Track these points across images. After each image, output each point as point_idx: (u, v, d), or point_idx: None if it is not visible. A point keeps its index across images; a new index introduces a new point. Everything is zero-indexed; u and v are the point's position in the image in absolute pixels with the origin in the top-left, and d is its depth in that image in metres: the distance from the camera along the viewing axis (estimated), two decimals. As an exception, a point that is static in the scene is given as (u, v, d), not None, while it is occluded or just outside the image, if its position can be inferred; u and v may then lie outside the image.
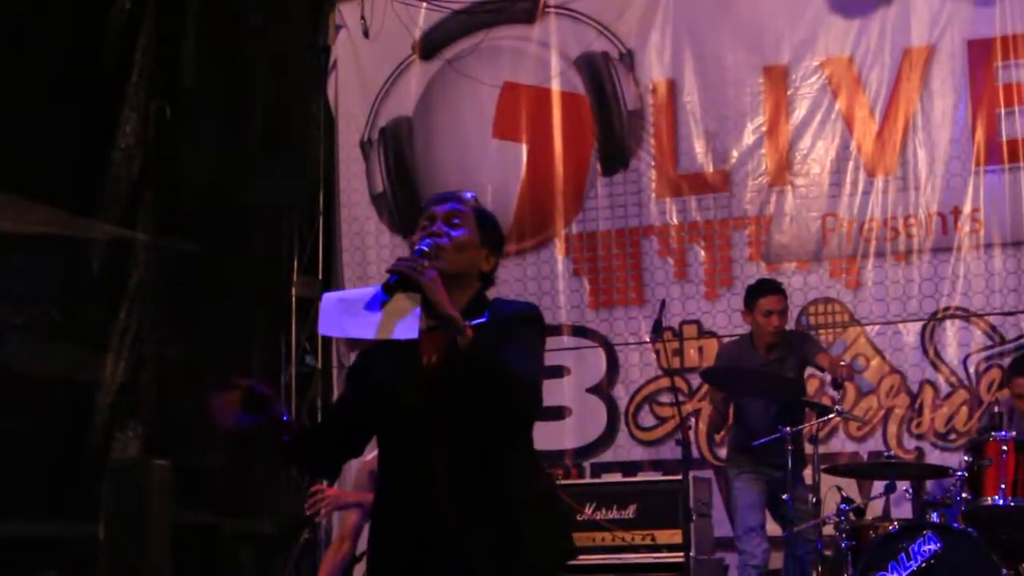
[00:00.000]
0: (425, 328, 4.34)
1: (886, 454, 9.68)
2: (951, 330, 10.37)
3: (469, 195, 4.72)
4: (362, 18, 11.99)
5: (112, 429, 10.57)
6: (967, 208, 10.39)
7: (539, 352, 4.62)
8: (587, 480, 10.76)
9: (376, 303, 4.34)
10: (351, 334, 4.40)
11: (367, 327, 4.34)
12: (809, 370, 9.61)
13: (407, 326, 4.31)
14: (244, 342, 11.24)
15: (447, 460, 4.46)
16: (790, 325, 9.80)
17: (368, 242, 11.77)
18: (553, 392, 10.91)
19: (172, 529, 9.32)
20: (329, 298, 4.43)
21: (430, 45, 11.92)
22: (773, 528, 9.43)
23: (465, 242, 4.57)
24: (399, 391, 4.53)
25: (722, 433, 10.17)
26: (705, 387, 10.53)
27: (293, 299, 11.69)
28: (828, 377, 9.44)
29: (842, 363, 9.31)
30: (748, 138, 11.02)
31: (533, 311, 4.66)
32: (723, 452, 10.16)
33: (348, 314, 4.37)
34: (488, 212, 4.72)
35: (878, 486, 9.47)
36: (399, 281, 4.33)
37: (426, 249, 4.47)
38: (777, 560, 9.36)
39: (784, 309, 9.47)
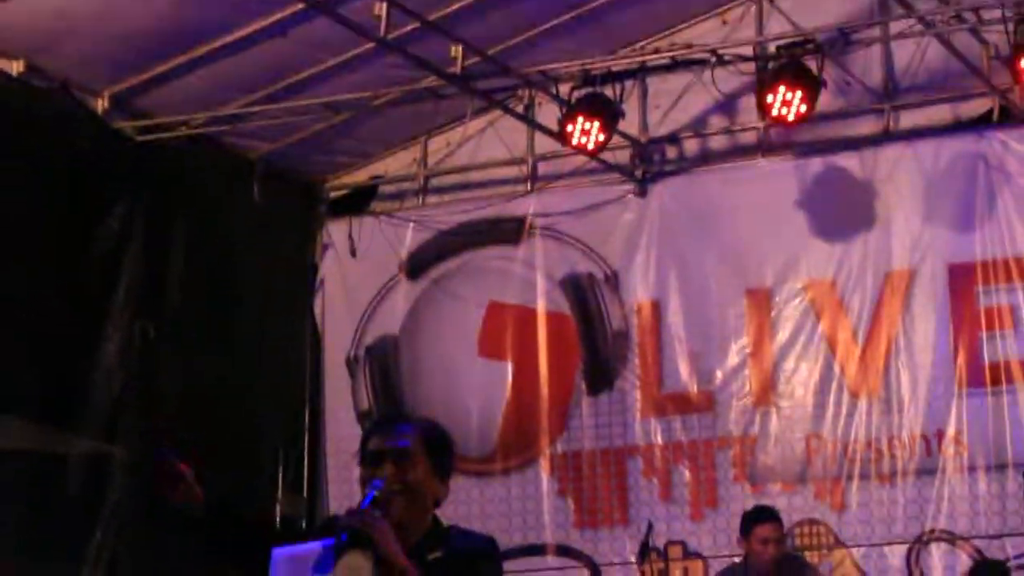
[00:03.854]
0: None
1: None
2: (936, 553, 10.35)
3: (415, 422, 4.66)
4: (350, 237, 12.13)
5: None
6: (951, 431, 10.44)
7: None
8: None
9: (327, 561, 4.25)
10: None
11: None
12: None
13: None
14: (227, 562, 11.11)
15: None
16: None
17: (354, 461, 11.72)
18: (536, 613, 10.87)
19: None
20: (278, 555, 4.36)
21: (416, 264, 12.05)
22: None
23: (417, 483, 4.47)
24: None
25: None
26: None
27: (278, 518, 11.61)
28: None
29: None
30: (732, 359, 11.11)
31: (492, 549, 4.58)
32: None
33: (298, 574, 4.30)
34: (436, 435, 4.61)
35: None
36: (350, 537, 4.25)
37: (376, 495, 4.36)
38: None
39: (780, 537, 9.41)
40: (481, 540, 4.63)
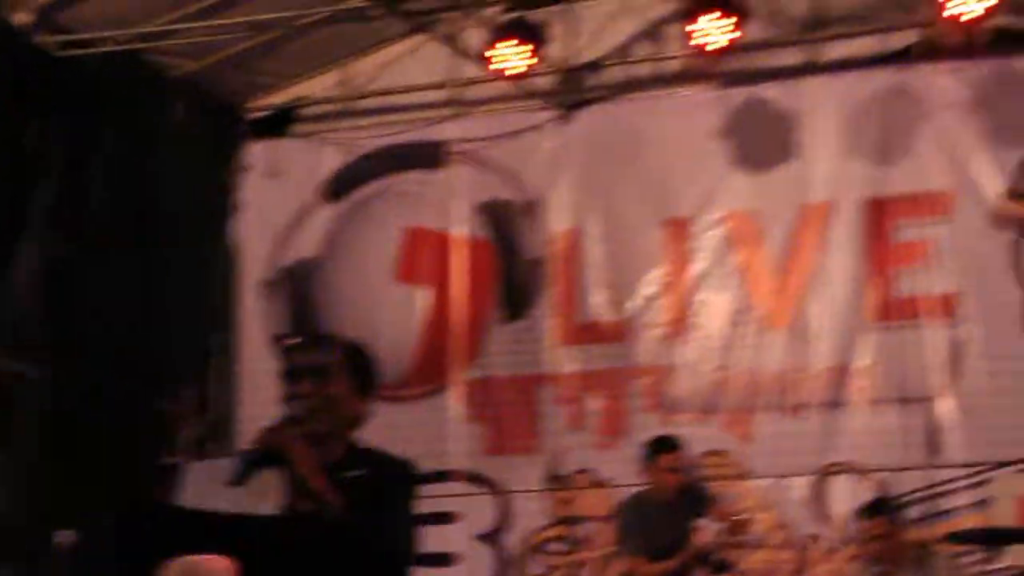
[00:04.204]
0: (292, 501, 4.24)
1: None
2: (841, 485, 10.34)
3: (337, 338, 4.68)
4: (269, 158, 12.03)
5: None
6: (859, 364, 10.42)
7: (415, 516, 4.53)
8: (474, 630, 10.64)
9: (242, 475, 4.24)
10: (213, 507, 4.28)
11: (230, 501, 4.24)
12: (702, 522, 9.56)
13: (271, 502, 4.24)
14: (130, 483, 11.06)
15: None
16: (681, 476, 9.75)
17: (266, 381, 11.64)
18: (441, 538, 10.79)
19: None
20: (194, 468, 4.37)
21: (336, 188, 11.97)
22: None
23: (336, 398, 4.44)
24: None
25: None
26: (599, 536, 10.53)
27: (191, 437, 11.56)
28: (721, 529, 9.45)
29: (735, 518, 9.29)
30: (648, 288, 11.06)
31: (411, 471, 4.57)
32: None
33: (212, 485, 4.28)
34: (360, 353, 4.59)
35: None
36: (265, 452, 4.25)
37: (295, 415, 4.35)
38: None
39: (683, 466, 9.46)
40: (400, 462, 4.61)
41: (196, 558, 4.16)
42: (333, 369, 4.44)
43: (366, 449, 4.53)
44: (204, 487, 4.29)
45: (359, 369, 4.53)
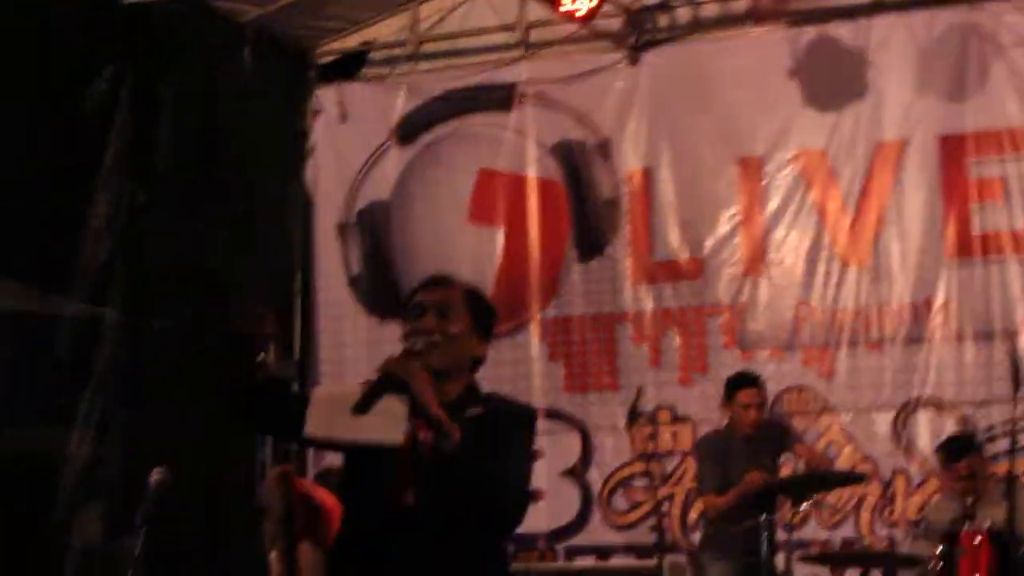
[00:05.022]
0: (412, 430, 4.30)
1: (859, 542, 9.85)
2: (923, 419, 10.50)
3: (455, 283, 4.65)
4: (340, 102, 12.13)
5: (74, 508, 10.51)
6: (939, 299, 10.54)
7: (530, 460, 4.60)
8: (560, 564, 10.80)
9: (364, 404, 4.28)
10: (336, 435, 4.35)
11: (353, 428, 4.29)
12: (784, 457, 9.71)
13: (393, 429, 4.28)
14: (218, 425, 11.20)
15: (424, 544, 4.36)
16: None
17: (344, 325, 11.85)
18: (528, 475, 10.96)
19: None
20: (318, 395, 4.40)
21: (408, 130, 12.05)
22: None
23: (457, 336, 4.49)
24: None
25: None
26: (682, 471, 10.73)
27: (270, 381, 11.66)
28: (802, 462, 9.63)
29: (819, 452, 9.44)
30: (723, 227, 11.17)
31: (529, 413, 4.65)
32: (697, 536, 10.23)
33: (335, 413, 4.32)
34: (480, 295, 4.66)
35: (852, 574, 9.53)
36: (387, 381, 4.29)
37: (415, 347, 4.40)
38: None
39: (762, 402, 9.56)
40: (522, 405, 4.71)
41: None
42: (454, 308, 4.52)
43: (485, 393, 4.60)
44: (327, 416, 4.35)
45: (479, 311, 4.60)
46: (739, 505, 9.22)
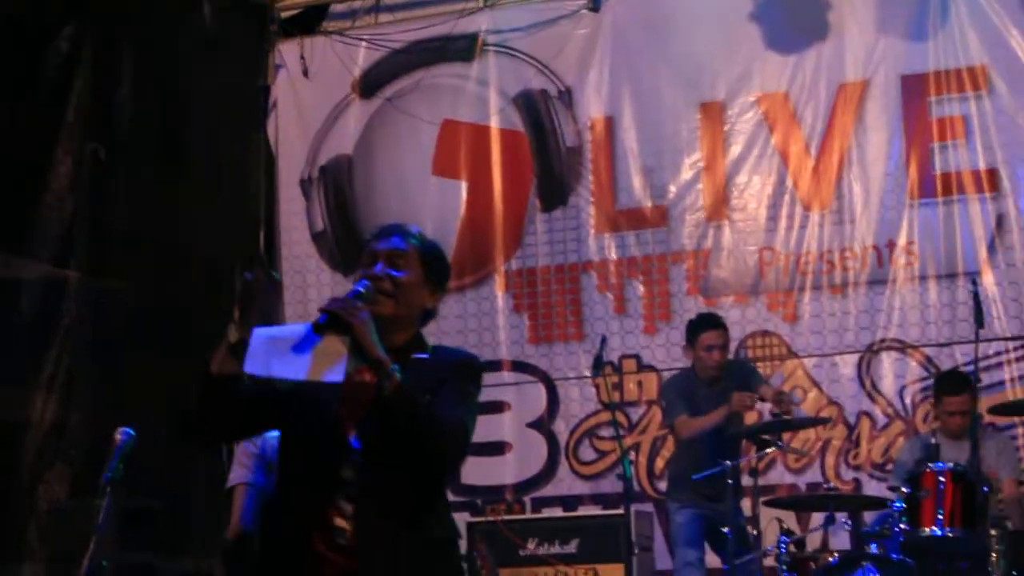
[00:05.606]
0: (353, 371, 4.32)
1: (825, 486, 9.84)
2: (887, 362, 10.45)
3: (414, 230, 4.67)
4: (301, 57, 12.06)
5: (40, 470, 10.47)
6: (902, 241, 10.48)
7: (473, 406, 4.61)
8: (528, 515, 10.77)
9: (306, 343, 4.30)
10: (277, 373, 4.34)
11: (294, 367, 4.30)
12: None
13: (334, 369, 4.29)
14: (181, 382, 11.15)
15: (361, 486, 4.41)
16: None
17: (309, 280, 11.81)
18: (493, 427, 10.96)
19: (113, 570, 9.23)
20: (259, 335, 4.36)
21: (369, 84, 11.98)
22: (712, 560, 9.48)
23: (406, 284, 4.52)
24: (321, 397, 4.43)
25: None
26: (647, 420, 10.69)
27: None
28: (768, 408, 9.62)
29: (782, 394, 9.41)
30: (686, 173, 11.10)
31: (473, 361, 4.69)
32: (663, 485, 10.20)
33: (276, 352, 4.32)
34: (434, 247, 4.67)
35: (817, 518, 9.50)
36: (329, 321, 4.30)
37: (362, 291, 4.41)
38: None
39: (725, 343, 9.56)
40: (467, 354, 4.77)
41: None
42: (407, 258, 4.55)
43: (432, 344, 4.63)
44: (266, 355, 4.33)
45: (432, 263, 4.62)
46: (706, 449, 9.21)
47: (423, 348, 4.56)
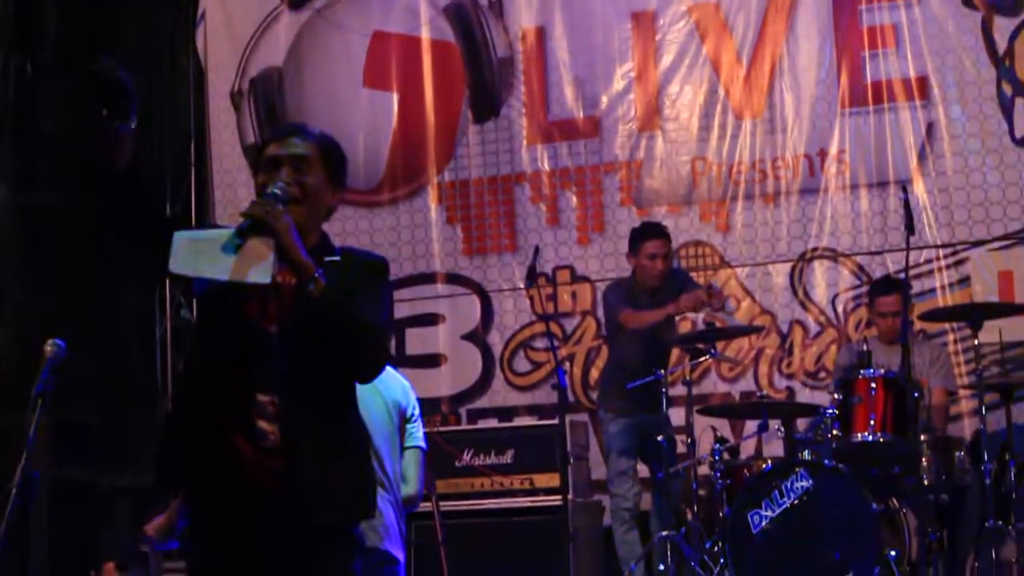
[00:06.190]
0: (276, 273, 4.37)
1: (758, 394, 9.92)
2: (819, 270, 10.51)
3: (313, 131, 4.67)
4: (230, -32, 11.93)
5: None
6: (833, 150, 10.51)
7: (388, 304, 4.74)
8: (464, 426, 10.81)
9: (230, 245, 4.34)
10: (203, 274, 4.40)
11: (220, 269, 4.35)
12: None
13: (260, 270, 4.34)
14: (116, 296, 11.12)
15: (284, 389, 4.45)
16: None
17: (240, 193, 11.70)
18: (428, 339, 10.99)
19: (48, 485, 9.24)
20: (181, 237, 4.39)
21: (299, -6, 11.88)
22: (643, 470, 9.56)
23: (313, 188, 4.54)
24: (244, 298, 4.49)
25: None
26: (582, 331, 10.76)
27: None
28: (701, 317, 9.69)
29: (711, 287, 9.46)
30: (617, 84, 11.08)
31: (383, 263, 4.71)
32: (597, 395, 10.25)
33: (201, 254, 4.36)
34: (333, 144, 4.68)
35: (751, 426, 9.60)
36: (253, 225, 4.35)
37: (278, 193, 4.44)
38: (649, 501, 9.48)
39: (668, 252, 9.59)
40: (374, 254, 4.79)
41: None
42: (310, 160, 4.55)
43: (342, 247, 4.71)
44: (191, 255, 4.36)
45: (332, 161, 4.63)
46: (640, 358, 9.27)
47: (331, 250, 4.61)
